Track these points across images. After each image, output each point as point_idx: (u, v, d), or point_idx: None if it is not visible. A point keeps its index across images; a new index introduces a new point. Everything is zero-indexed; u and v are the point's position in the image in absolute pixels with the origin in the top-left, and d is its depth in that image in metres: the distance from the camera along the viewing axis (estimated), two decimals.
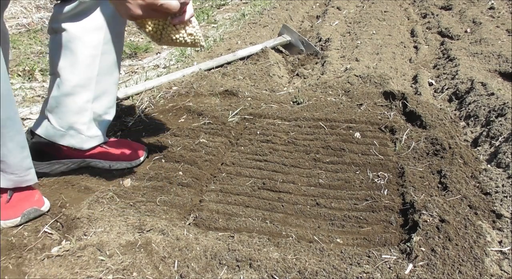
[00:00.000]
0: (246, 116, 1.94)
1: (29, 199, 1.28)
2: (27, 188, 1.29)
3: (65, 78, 1.39)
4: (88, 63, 1.39)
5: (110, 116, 1.55)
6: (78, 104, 1.43)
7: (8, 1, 1.25)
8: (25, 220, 1.26)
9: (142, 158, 1.63)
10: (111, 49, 1.42)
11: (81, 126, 1.47)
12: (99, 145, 1.55)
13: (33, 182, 1.28)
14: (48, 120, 1.47)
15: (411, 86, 2.38)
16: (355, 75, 2.29)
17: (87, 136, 1.50)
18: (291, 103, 2.08)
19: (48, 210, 1.32)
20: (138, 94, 2.27)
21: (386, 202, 1.34)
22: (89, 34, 1.36)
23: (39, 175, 1.46)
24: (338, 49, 2.93)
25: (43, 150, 1.50)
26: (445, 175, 1.39)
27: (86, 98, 1.44)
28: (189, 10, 1.10)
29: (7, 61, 1.20)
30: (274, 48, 2.87)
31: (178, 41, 1.14)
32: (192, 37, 1.15)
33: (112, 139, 1.63)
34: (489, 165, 1.52)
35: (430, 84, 2.40)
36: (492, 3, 3.83)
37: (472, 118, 1.86)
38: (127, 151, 1.60)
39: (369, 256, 1.09)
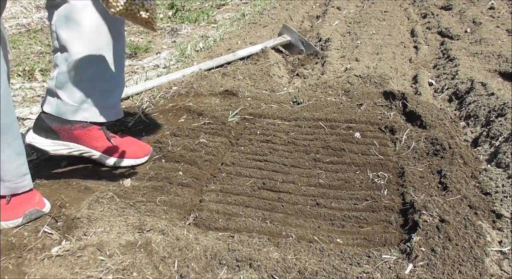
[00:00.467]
0: (246, 116, 1.94)
1: (30, 200, 1.27)
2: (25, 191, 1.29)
3: (74, 51, 1.36)
4: (95, 32, 1.36)
5: (121, 85, 1.53)
6: (90, 75, 1.41)
7: (5, 3, 1.24)
8: (27, 220, 1.25)
9: (147, 157, 1.63)
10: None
11: (94, 97, 1.45)
12: (107, 138, 1.53)
13: (28, 188, 1.27)
14: (58, 97, 1.43)
15: (411, 86, 2.38)
16: (355, 75, 2.29)
17: (102, 107, 1.47)
18: (291, 103, 2.08)
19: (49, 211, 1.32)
20: (138, 94, 2.27)
21: (386, 202, 1.34)
22: (92, 2, 1.33)
23: (38, 151, 1.47)
24: (338, 49, 2.93)
25: (51, 129, 1.47)
26: (445, 175, 1.39)
27: (97, 68, 1.42)
28: None
29: (7, 63, 1.20)
30: (274, 48, 2.87)
31: (134, 12, 1.15)
32: (148, 14, 1.16)
33: (118, 136, 1.62)
34: (489, 165, 1.52)
35: (430, 84, 2.40)
36: (492, 3, 3.83)
37: (472, 118, 1.86)
38: (133, 149, 1.59)
39: (369, 256, 1.09)
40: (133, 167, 1.59)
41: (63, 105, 1.44)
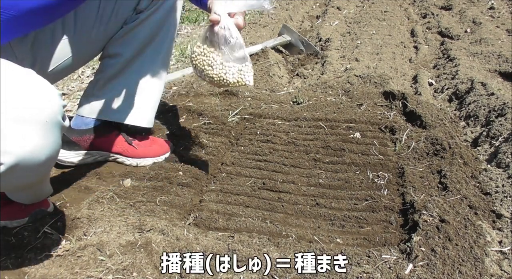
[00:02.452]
0: (246, 116, 1.94)
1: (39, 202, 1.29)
2: None
3: (125, 57, 1.45)
4: (149, 43, 1.46)
5: (157, 90, 1.56)
6: (130, 77, 1.48)
7: None
8: (32, 220, 1.26)
9: (168, 153, 1.65)
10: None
11: (129, 98, 1.50)
12: (128, 143, 1.58)
13: (48, 195, 1.29)
14: (94, 97, 1.50)
15: (411, 86, 2.38)
16: (355, 75, 2.29)
17: (135, 109, 1.52)
18: (291, 103, 2.07)
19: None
20: None
21: (386, 202, 1.33)
22: (146, 17, 1.43)
23: (66, 164, 1.54)
24: (338, 49, 2.93)
25: (72, 141, 1.53)
26: (445, 175, 1.39)
27: (139, 72, 1.49)
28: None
29: None
30: (274, 48, 2.87)
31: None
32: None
33: (138, 137, 1.65)
34: (489, 165, 1.52)
35: (430, 84, 2.40)
36: (492, 3, 3.83)
37: (472, 118, 1.86)
38: (154, 148, 1.62)
39: (369, 256, 1.09)
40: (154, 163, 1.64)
41: (97, 105, 1.50)
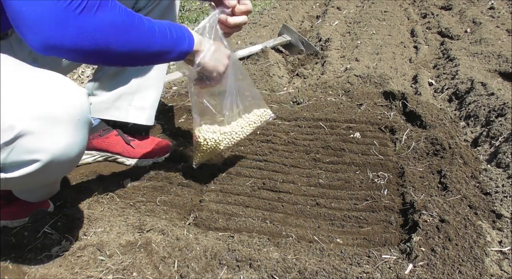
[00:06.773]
0: None
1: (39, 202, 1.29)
2: None
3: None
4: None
5: (157, 88, 1.56)
6: (129, 74, 1.49)
7: None
8: (32, 220, 1.26)
9: (168, 154, 1.65)
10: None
11: (128, 96, 1.51)
12: (126, 142, 1.58)
13: (55, 193, 1.31)
14: (95, 97, 1.51)
15: (411, 86, 2.38)
16: (355, 75, 2.29)
17: (134, 107, 1.53)
18: (291, 103, 2.07)
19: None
20: None
21: (386, 202, 1.33)
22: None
23: None
24: (338, 49, 2.93)
25: None
26: (445, 175, 1.39)
27: (138, 69, 1.50)
28: None
29: None
30: (274, 48, 2.87)
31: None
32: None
33: (138, 137, 1.65)
34: (489, 165, 1.52)
35: (430, 84, 2.40)
36: (492, 3, 3.83)
37: (472, 118, 1.86)
38: (154, 148, 1.63)
39: (369, 256, 1.09)
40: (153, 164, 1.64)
41: (96, 103, 1.50)
